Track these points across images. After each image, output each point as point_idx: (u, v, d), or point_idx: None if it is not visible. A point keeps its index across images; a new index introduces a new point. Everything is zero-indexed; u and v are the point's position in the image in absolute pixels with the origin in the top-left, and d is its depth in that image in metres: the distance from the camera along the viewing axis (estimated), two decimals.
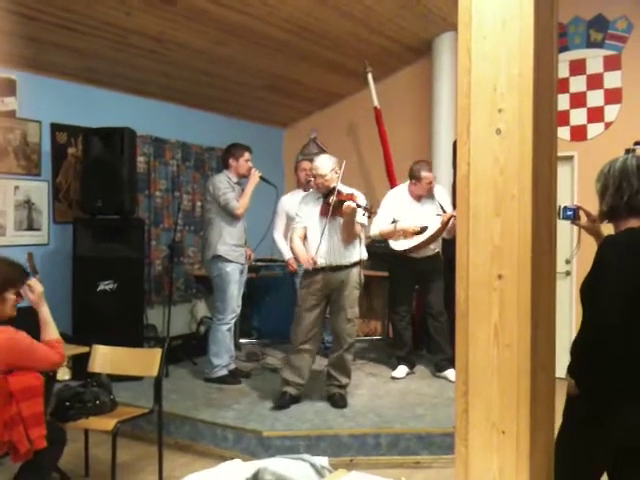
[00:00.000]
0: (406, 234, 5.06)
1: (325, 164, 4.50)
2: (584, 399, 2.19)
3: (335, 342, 4.68)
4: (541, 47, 1.59)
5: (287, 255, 5.68)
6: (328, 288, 4.53)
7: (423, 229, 5.04)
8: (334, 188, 4.42)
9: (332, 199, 4.37)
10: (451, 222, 4.88)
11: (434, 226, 5.03)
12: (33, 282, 3.03)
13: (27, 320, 2.95)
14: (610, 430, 2.14)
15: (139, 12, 4.83)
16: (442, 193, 5.30)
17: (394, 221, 5.05)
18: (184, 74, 6.04)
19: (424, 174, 5.13)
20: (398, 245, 5.13)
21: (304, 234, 4.59)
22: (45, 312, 3.06)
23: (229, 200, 5.05)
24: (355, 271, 4.57)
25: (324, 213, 4.47)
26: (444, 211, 5.03)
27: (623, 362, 2.10)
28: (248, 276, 5.55)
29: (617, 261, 2.14)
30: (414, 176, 5.18)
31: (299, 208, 4.69)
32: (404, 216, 5.09)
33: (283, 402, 4.51)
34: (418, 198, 5.21)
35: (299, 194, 5.44)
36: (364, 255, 4.68)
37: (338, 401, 4.56)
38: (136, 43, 5.30)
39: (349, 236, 4.49)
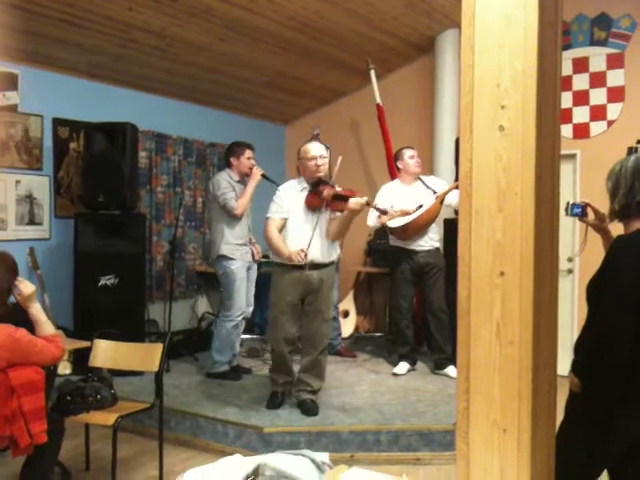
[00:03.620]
0: (403, 214, 5.10)
1: (323, 148, 4.39)
2: (588, 397, 2.19)
3: (308, 344, 4.38)
4: (545, 44, 1.58)
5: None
6: (307, 288, 4.25)
7: (419, 207, 5.10)
8: (322, 180, 4.27)
9: (326, 192, 4.17)
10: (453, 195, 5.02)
11: (429, 203, 5.12)
12: (22, 284, 2.95)
13: (24, 316, 2.95)
14: (612, 428, 2.14)
15: (142, 8, 4.83)
16: (432, 178, 5.51)
17: (391, 207, 5.13)
18: (186, 70, 6.03)
19: (405, 151, 5.36)
20: (396, 222, 5.13)
21: (282, 226, 4.28)
22: (36, 311, 2.99)
23: (227, 200, 5.02)
24: (333, 269, 4.40)
25: (315, 205, 4.22)
26: (434, 192, 5.20)
27: (629, 363, 2.09)
28: None
29: (630, 264, 2.13)
30: (398, 159, 5.42)
31: (279, 197, 4.31)
32: (398, 200, 5.18)
33: (276, 402, 4.42)
34: (409, 182, 5.34)
35: None
36: (340, 253, 4.59)
37: (310, 408, 4.31)
38: (139, 39, 5.30)
39: (340, 233, 4.28)
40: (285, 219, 4.26)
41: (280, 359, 4.44)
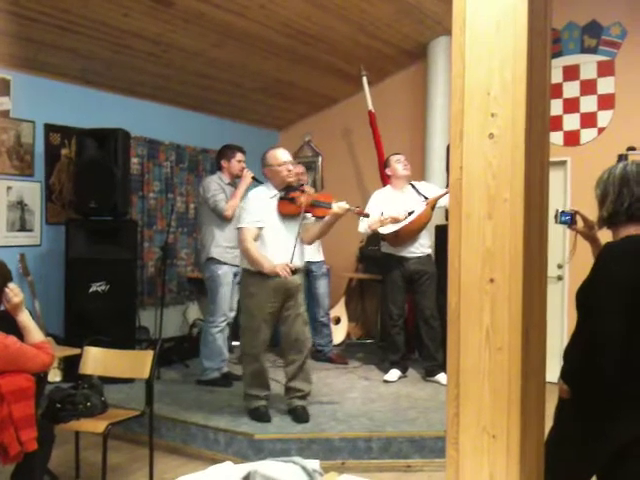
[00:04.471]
0: (394, 220, 5.11)
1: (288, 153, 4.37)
2: (577, 404, 2.20)
3: (293, 350, 4.32)
4: (535, 52, 1.60)
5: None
6: (287, 293, 4.21)
7: (410, 213, 5.11)
8: (290, 186, 4.27)
9: (303, 198, 4.17)
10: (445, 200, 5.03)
11: (420, 209, 5.12)
12: (12, 292, 2.92)
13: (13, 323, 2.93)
14: (602, 434, 2.14)
15: (136, 14, 4.82)
16: (425, 184, 5.52)
17: (381, 214, 5.16)
18: (180, 76, 6.03)
19: (392, 157, 5.40)
20: (387, 229, 5.14)
21: (258, 235, 4.16)
22: (25, 318, 2.96)
23: (217, 202, 5.02)
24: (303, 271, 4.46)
25: (291, 212, 4.19)
26: (426, 199, 5.20)
27: (619, 369, 2.09)
28: None
29: (619, 270, 2.13)
30: (386, 166, 5.47)
31: (252, 205, 4.19)
32: (389, 206, 5.19)
33: (266, 416, 4.28)
34: (400, 188, 5.34)
35: None
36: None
37: (302, 415, 4.29)
38: (133, 45, 5.29)
39: (318, 238, 4.32)
40: (261, 228, 4.16)
41: (259, 372, 4.32)
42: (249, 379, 4.36)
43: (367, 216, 4.56)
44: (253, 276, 4.19)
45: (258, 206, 4.19)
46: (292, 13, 5.28)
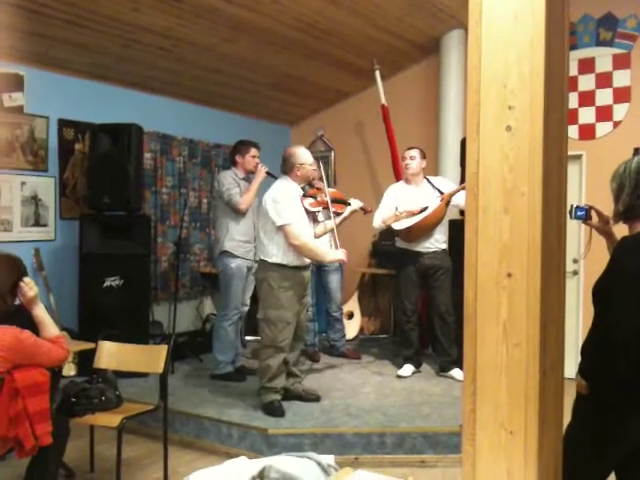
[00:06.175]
0: (409, 215, 5.10)
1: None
2: (595, 400, 2.18)
3: (299, 338, 4.53)
4: (552, 44, 1.58)
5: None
6: (305, 287, 4.48)
7: (423, 209, 5.08)
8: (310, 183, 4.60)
9: (325, 196, 4.46)
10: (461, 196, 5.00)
11: (434, 205, 5.10)
12: (27, 287, 2.93)
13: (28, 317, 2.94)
14: (621, 431, 2.12)
15: (147, 8, 4.83)
16: (441, 179, 5.49)
17: (396, 209, 5.17)
18: (192, 71, 6.04)
19: (404, 154, 5.37)
20: (401, 224, 5.13)
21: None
22: (40, 312, 2.97)
23: (232, 196, 5.03)
24: None
25: (316, 208, 4.45)
26: (441, 194, 5.16)
27: (636, 365, 2.07)
28: None
29: (634, 264, 2.11)
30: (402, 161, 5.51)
31: (292, 201, 4.26)
32: (403, 201, 5.18)
33: (279, 410, 4.30)
34: (415, 182, 5.31)
35: None
36: None
37: (310, 395, 4.60)
38: (144, 40, 5.30)
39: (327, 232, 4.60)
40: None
41: (282, 364, 4.36)
42: (273, 371, 4.32)
43: (370, 212, 4.91)
44: (289, 270, 4.27)
45: (296, 202, 4.31)
46: (304, 7, 5.27)
